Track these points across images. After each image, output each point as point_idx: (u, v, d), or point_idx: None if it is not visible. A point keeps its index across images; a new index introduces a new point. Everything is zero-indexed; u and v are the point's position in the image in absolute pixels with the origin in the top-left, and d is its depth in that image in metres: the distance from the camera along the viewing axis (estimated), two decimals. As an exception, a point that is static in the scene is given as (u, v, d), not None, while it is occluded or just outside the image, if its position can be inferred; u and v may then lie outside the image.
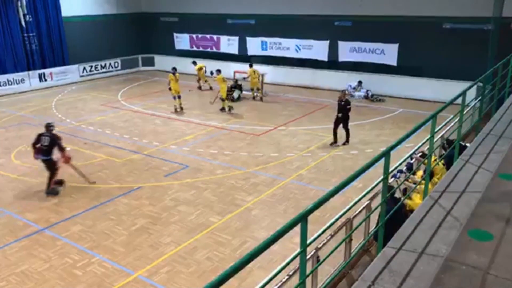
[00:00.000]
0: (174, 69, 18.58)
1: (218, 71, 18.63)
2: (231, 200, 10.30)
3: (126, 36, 26.96)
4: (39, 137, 10.51)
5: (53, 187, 10.61)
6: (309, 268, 3.81)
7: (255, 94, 20.17)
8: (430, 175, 6.78)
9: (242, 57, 24.23)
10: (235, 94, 19.98)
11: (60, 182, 10.75)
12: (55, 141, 10.40)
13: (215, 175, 11.69)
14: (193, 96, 21.21)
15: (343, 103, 13.49)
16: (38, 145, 10.42)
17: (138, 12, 27.85)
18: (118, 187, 11.13)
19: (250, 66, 20.23)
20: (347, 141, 13.85)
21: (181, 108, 18.30)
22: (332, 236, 6.28)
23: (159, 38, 27.65)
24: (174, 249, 8.31)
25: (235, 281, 6.92)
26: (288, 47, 22.74)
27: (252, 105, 19.34)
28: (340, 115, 13.49)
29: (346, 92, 14.26)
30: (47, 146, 10.38)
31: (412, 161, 8.36)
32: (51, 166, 10.53)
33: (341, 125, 13.74)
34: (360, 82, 20.36)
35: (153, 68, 28.03)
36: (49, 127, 10.60)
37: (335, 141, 13.81)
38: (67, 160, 10.61)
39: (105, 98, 20.80)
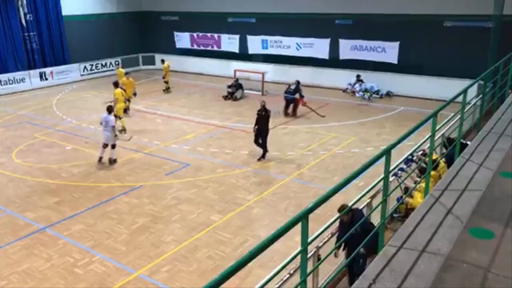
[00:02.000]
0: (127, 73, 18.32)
1: (117, 64, 18.76)
2: (232, 198, 10.30)
3: (127, 35, 26.93)
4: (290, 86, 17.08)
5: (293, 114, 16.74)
6: (310, 267, 3.81)
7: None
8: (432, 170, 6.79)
9: (243, 55, 24.21)
10: (238, 94, 19.97)
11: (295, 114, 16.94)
12: (298, 88, 16.96)
13: (216, 174, 11.69)
14: (194, 95, 21.21)
15: (263, 113, 12.24)
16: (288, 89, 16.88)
17: (138, 11, 27.83)
18: (119, 186, 11.13)
19: (163, 62, 21.55)
20: (262, 156, 12.46)
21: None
22: (333, 234, 6.28)
23: (159, 37, 27.63)
24: (175, 248, 8.32)
25: (236, 279, 6.92)
26: (289, 45, 22.70)
27: (253, 104, 19.30)
28: (256, 127, 12.23)
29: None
30: (292, 90, 16.81)
31: (414, 158, 8.36)
32: (295, 103, 16.96)
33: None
34: (358, 76, 20.34)
35: (153, 67, 27.98)
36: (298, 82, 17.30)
37: (265, 152, 12.59)
38: (304, 103, 17.06)
39: (106, 97, 20.75)
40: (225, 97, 19.93)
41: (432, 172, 7.44)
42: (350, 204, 5.01)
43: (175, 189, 10.84)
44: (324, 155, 12.94)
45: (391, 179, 7.48)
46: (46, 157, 13.13)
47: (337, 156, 12.89)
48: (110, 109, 12.56)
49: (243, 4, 23.66)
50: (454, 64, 18.12)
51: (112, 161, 12.51)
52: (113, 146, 12.54)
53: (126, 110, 16.98)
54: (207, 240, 8.56)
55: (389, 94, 19.91)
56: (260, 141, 12.44)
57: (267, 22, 23.19)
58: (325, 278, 5.71)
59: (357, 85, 20.28)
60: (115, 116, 14.87)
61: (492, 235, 3.96)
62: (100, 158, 12.43)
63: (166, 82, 21.65)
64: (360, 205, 6.89)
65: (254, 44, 23.82)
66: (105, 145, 12.41)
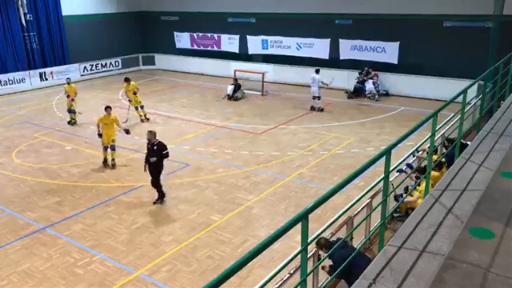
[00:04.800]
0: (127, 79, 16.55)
1: None
2: (231, 198, 10.30)
3: (127, 35, 26.95)
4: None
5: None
6: (310, 267, 3.81)
7: (72, 119, 16.56)
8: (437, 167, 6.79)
9: (243, 55, 24.22)
10: (239, 94, 19.97)
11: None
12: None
13: (215, 174, 11.69)
14: (194, 95, 21.21)
15: (155, 147, 9.81)
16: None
17: (138, 11, 27.83)
18: (119, 186, 11.13)
19: (68, 83, 16.86)
20: (158, 199, 10.08)
21: (146, 118, 16.65)
22: (333, 234, 6.29)
23: (159, 37, 27.63)
24: (175, 248, 8.32)
25: (236, 279, 6.92)
26: (289, 45, 22.68)
27: (253, 104, 19.33)
28: (153, 159, 9.76)
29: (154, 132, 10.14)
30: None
31: (412, 160, 8.37)
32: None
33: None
34: (364, 72, 20.27)
35: (153, 67, 28.03)
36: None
37: (161, 196, 10.18)
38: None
39: (106, 97, 20.79)
40: (229, 97, 19.88)
41: (437, 173, 7.46)
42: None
43: (175, 189, 10.83)
44: (324, 155, 12.93)
45: (395, 176, 7.48)
46: (46, 157, 13.13)
47: (337, 156, 12.89)
48: (317, 71, 17.46)
49: (243, 4, 23.66)
50: (454, 64, 18.12)
51: (319, 109, 17.24)
52: (319, 98, 17.28)
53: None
54: (207, 240, 8.56)
55: (387, 94, 19.89)
56: (152, 181, 10.05)
57: (267, 22, 23.18)
58: (325, 278, 5.71)
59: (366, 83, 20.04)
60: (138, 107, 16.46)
61: (492, 235, 3.96)
62: (312, 107, 17.49)
63: (70, 111, 16.56)
64: (360, 205, 6.90)
65: (254, 44, 23.80)
66: (314, 97, 17.31)
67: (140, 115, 16.71)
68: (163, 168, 10.01)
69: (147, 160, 9.99)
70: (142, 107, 16.72)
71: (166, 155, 9.95)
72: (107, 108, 12.56)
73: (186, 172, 11.89)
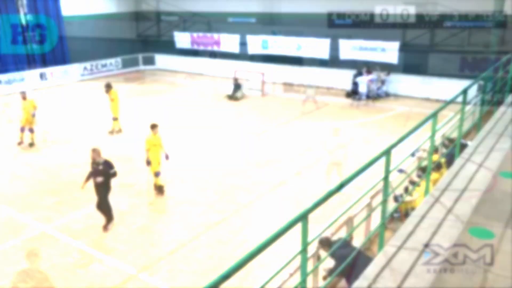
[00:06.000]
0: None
1: None
2: (232, 198, 10.30)
3: (127, 35, 26.96)
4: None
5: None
6: (310, 267, 3.81)
7: (31, 140, 14.04)
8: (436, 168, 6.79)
9: (243, 55, 24.22)
10: (238, 94, 19.97)
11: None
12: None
13: (215, 174, 11.68)
14: (194, 95, 21.20)
15: (101, 167, 8.82)
16: None
17: (138, 11, 27.85)
18: (119, 186, 11.10)
19: (24, 98, 13.93)
20: (108, 222, 9.05)
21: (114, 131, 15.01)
22: (332, 234, 6.28)
23: (159, 37, 27.64)
24: (175, 248, 8.32)
25: (236, 279, 6.91)
26: (289, 45, 22.70)
27: (253, 104, 19.33)
28: (99, 180, 8.80)
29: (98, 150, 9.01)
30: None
31: (412, 160, 8.37)
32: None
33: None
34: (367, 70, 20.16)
35: (153, 67, 28.04)
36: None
37: (108, 219, 9.09)
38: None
39: (106, 97, 20.74)
40: (229, 97, 19.88)
41: (437, 175, 7.45)
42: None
43: (175, 189, 10.82)
44: (324, 155, 12.90)
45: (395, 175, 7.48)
46: (46, 157, 13.12)
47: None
48: (360, 74, 19.26)
49: (243, 4, 23.66)
50: (454, 64, 18.12)
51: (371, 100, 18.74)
52: (368, 96, 18.79)
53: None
54: (207, 240, 8.56)
55: (387, 94, 19.90)
56: (98, 204, 9.06)
57: (267, 22, 23.17)
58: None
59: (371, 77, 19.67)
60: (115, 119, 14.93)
61: (492, 235, 3.96)
62: (351, 94, 19.45)
63: (32, 130, 14.06)
64: (360, 205, 6.90)
65: (254, 44, 23.82)
66: (363, 95, 18.79)
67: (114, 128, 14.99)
68: (111, 189, 9.07)
69: (88, 178, 9.00)
70: (115, 119, 14.92)
71: (114, 175, 8.92)
72: (154, 127, 10.38)
73: (186, 172, 11.89)
